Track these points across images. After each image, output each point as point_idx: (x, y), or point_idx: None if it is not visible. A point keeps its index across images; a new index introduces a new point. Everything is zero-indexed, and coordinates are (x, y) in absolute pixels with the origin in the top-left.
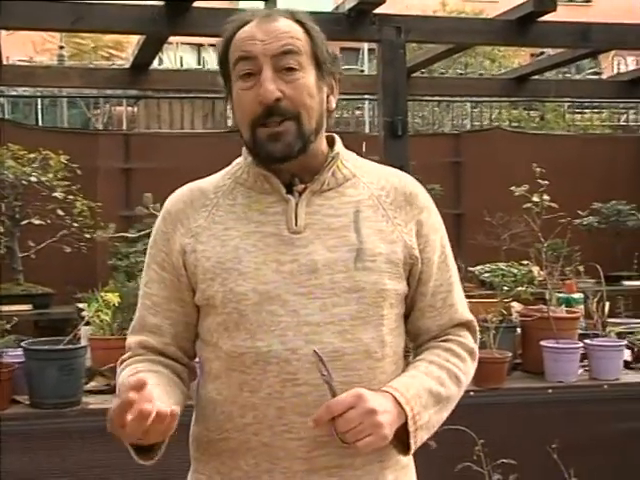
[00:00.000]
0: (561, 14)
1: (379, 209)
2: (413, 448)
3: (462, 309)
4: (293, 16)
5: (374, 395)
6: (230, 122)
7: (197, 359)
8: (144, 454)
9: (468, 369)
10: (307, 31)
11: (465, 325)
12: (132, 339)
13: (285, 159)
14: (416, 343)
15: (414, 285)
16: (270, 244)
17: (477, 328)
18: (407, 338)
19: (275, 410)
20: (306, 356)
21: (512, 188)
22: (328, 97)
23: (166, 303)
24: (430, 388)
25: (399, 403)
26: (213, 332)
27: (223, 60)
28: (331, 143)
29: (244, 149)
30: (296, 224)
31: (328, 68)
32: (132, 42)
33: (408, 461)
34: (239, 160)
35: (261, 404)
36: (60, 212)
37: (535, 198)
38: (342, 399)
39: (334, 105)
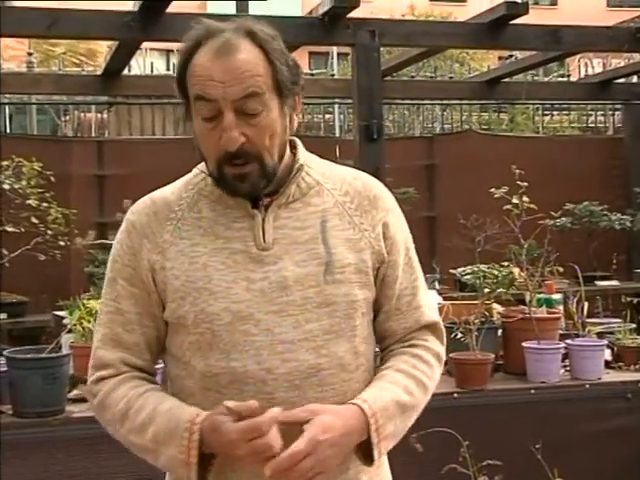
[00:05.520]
0: (530, 17)
1: (345, 216)
2: (376, 459)
3: (428, 311)
4: (253, 38)
5: (331, 427)
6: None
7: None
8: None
9: (434, 374)
10: (267, 56)
11: (431, 328)
12: (110, 355)
13: (251, 195)
14: (382, 345)
15: (379, 286)
16: (239, 261)
17: (443, 330)
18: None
19: None
20: (283, 375)
21: (492, 190)
22: (291, 116)
23: (139, 319)
24: (398, 399)
25: (365, 415)
26: (185, 350)
27: (181, 80)
28: (292, 146)
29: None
30: (264, 240)
31: (290, 90)
32: (103, 51)
33: (383, 459)
34: (200, 170)
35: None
36: (34, 220)
37: (515, 200)
38: (294, 454)
39: (296, 123)
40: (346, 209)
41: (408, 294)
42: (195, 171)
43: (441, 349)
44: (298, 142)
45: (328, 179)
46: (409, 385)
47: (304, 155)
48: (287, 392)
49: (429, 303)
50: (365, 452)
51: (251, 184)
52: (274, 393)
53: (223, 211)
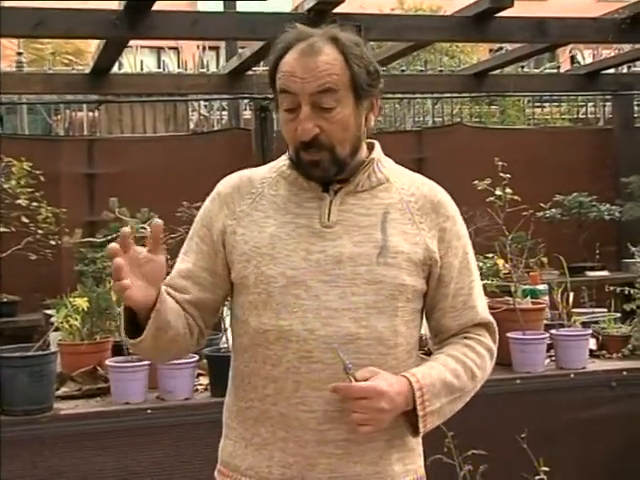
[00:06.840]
0: (518, 10)
1: (406, 213)
2: (422, 431)
3: (482, 311)
4: (336, 43)
5: (391, 385)
6: (192, 125)
7: None
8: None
9: (485, 365)
10: (346, 58)
11: (485, 326)
12: None
13: (323, 180)
14: (437, 339)
15: (434, 285)
16: (302, 234)
17: (496, 330)
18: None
19: (292, 383)
20: (322, 337)
21: (475, 182)
22: (367, 116)
23: (199, 271)
24: (445, 379)
25: (412, 388)
26: (245, 309)
27: (272, 78)
28: (371, 147)
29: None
30: (328, 219)
31: (366, 91)
32: (92, 50)
33: (416, 445)
34: (285, 156)
35: (280, 377)
36: (24, 219)
37: (498, 191)
38: (361, 388)
39: (373, 122)
40: (409, 207)
41: (464, 294)
42: (282, 157)
43: (493, 345)
44: (376, 144)
45: (399, 179)
46: (458, 369)
47: (379, 154)
48: (325, 353)
49: (484, 303)
50: (412, 424)
51: (322, 170)
52: (313, 352)
53: (297, 192)
